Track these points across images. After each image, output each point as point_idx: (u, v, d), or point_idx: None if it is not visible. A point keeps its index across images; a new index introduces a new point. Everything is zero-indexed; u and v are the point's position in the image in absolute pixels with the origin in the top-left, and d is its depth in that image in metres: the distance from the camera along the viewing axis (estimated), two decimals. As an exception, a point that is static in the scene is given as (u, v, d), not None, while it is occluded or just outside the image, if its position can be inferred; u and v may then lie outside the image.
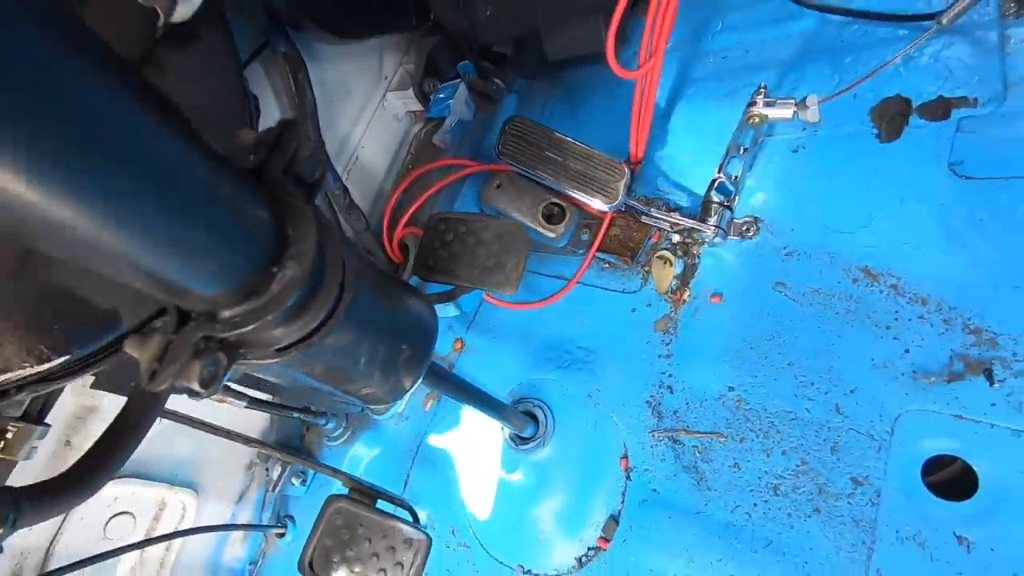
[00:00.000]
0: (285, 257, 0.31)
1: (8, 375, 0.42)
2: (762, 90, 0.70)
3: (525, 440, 0.85)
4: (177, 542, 0.84)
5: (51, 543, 0.71)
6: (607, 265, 0.97)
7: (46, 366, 0.43)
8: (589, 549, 0.79)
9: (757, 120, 0.70)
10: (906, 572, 0.61)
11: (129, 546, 0.75)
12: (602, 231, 0.94)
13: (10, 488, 0.44)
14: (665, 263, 0.92)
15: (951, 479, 0.64)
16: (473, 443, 0.90)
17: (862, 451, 0.67)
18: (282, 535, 0.94)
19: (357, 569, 0.65)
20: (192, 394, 0.32)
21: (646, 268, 0.93)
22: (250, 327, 0.31)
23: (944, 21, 0.57)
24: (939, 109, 0.69)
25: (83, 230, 0.22)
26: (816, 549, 0.66)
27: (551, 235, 0.98)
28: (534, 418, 0.86)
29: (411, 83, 1.16)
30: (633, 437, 0.82)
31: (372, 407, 0.54)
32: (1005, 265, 0.64)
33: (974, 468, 0.62)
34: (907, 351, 0.68)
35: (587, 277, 0.96)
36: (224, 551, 0.92)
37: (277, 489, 0.95)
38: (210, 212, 0.26)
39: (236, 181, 0.28)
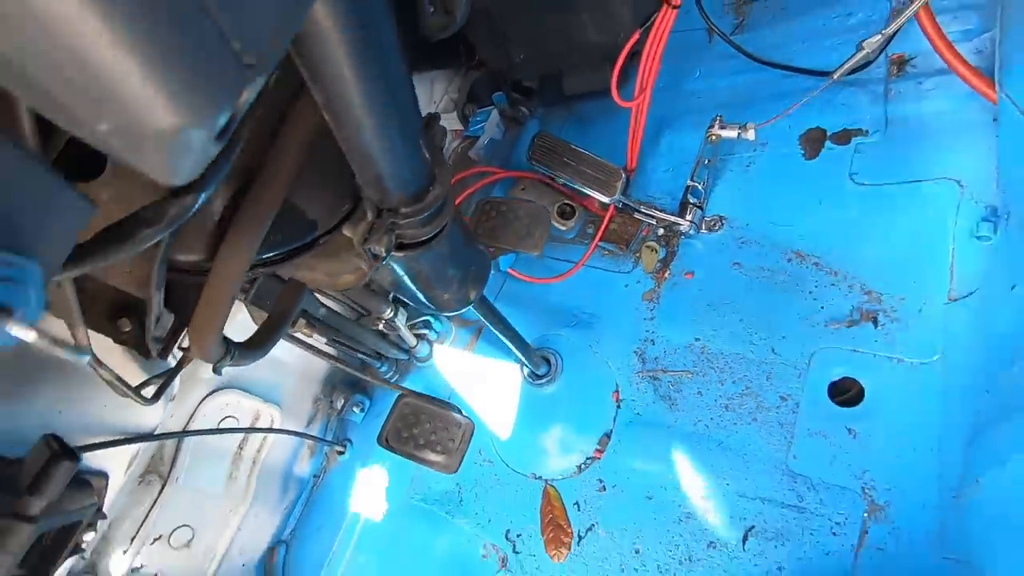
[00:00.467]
0: (435, 182, 0.57)
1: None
2: (718, 119, 0.98)
3: (539, 377, 1.10)
4: (265, 446, 1.08)
5: (186, 424, 0.95)
6: (607, 252, 1.24)
7: (273, 253, 0.68)
8: (587, 459, 1.03)
9: (714, 139, 0.98)
10: (813, 454, 0.85)
11: (239, 428, 1.00)
12: (603, 226, 1.21)
13: (228, 339, 0.69)
14: (651, 250, 1.18)
15: (847, 395, 0.89)
16: (497, 381, 1.15)
17: (788, 377, 0.93)
18: (342, 453, 1.18)
19: (420, 442, 0.88)
20: (375, 259, 0.58)
21: (637, 255, 1.20)
22: (412, 219, 0.57)
23: (835, 76, 0.85)
24: (844, 137, 0.97)
25: (371, 140, 0.47)
26: (753, 445, 0.90)
27: (563, 228, 1.25)
28: (547, 362, 1.11)
29: (455, 108, 1.45)
30: (623, 377, 1.07)
31: (444, 312, 0.79)
32: (888, 246, 0.91)
33: (862, 385, 0.87)
34: (822, 307, 0.95)
35: (591, 261, 1.22)
36: (295, 463, 1.15)
37: (341, 414, 1.19)
38: (415, 140, 0.52)
39: (421, 131, 0.55)
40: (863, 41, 0.81)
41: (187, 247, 0.59)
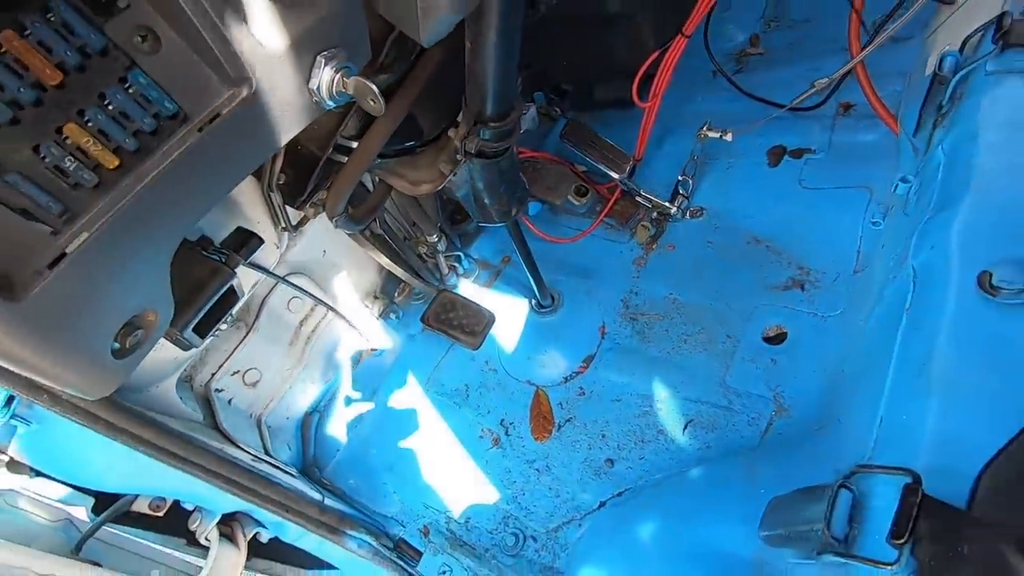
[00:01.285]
0: (515, 108, 0.87)
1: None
2: (707, 123, 1.30)
3: (543, 307, 1.38)
4: (320, 327, 1.34)
5: (272, 288, 1.22)
6: (609, 226, 1.54)
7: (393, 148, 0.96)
8: (573, 372, 1.31)
9: (703, 138, 1.30)
10: (744, 374, 1.14)
11: (311, 295, 1.26)
12: (609, 204, 1.52)
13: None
14: (645, 228, 1.49)
15: (775, 337, 1.18)
16: (508, 312, 1.43)
17: (734, 322, 1.22)
18: (375, 350, 1.45)
19: (454, 324, 1.16)
20: (467, 155, 0.87)
21: (633, 230, 1.50)
22: (496, 130, 0.86)
23: (789, 105, 1.18)
24: (798, 153, 1.29)
25: (493, 56, 0.76)
26: (701, 367, 1.19)
27: (577, 204, 1.56)
28: (552, 297, 1.40)
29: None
30: (609, 316, 1.36)
31: (489, 222, 1.08)
32: (819, 233, 1.22)
33: (787, 331, 1.17)
34: (766, 276, 1.25)
35: (596, 232, 1.52)
36: (339, 349, 1.42)
37: (381, 316, 1.47)
38: (515, 72, 0.82)
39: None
40: (815, 81, 1.14)
41: (349, 128, 0.88)
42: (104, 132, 0.43)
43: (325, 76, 0.53)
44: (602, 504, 1.11)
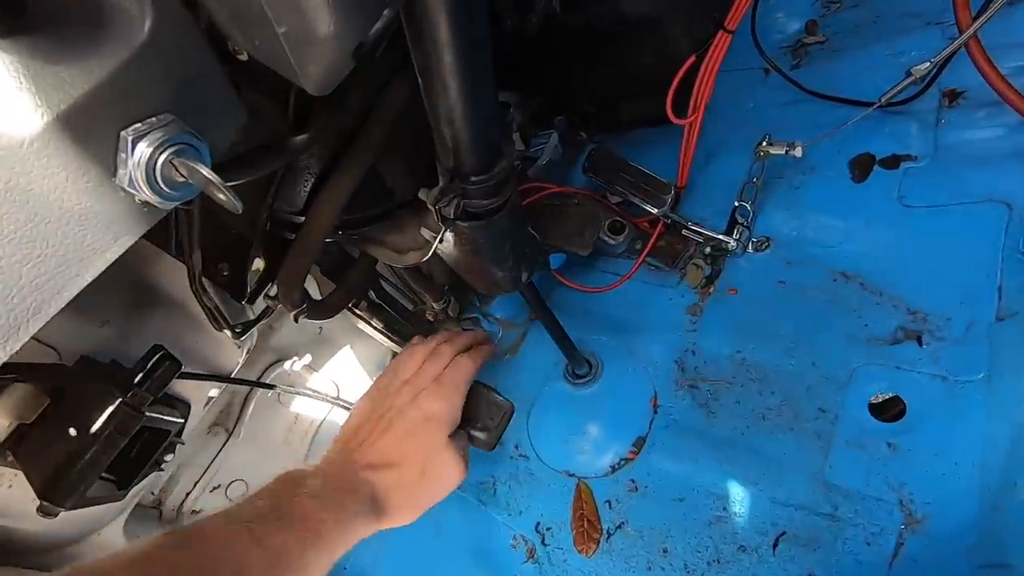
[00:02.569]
0: (503, 156, 0.65)
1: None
2: (767, 137, 1.03)
3: (579, 377, 1.14)
4: (323, 414, 1.15)
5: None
6: (652, 267, 1.28)
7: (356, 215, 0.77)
8: (621, 459, 1.05)
9: (762, 155, 1.03)
10: (850, 466, 0.85)
11: (308, 392, 1.07)
12: (652, 241, 1.26)
13: (308, 293, 0.78)
14: (697, 267, 1.22)
15: (888, 412, 0.89)
16: (540, 380, 1.20)
17: (827, 391, 0.93)
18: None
19: (465, 416, 0.93)
20: (445, 221, 0.66)
21: (682, 271, 1.24)
22: (480, 187, 0.64)
23: (882, 100, 0.89)
24: (893, 162, 1.00)
25: (457, 103, 0.55)
26: (788, 454, 0.91)
27: (613, 243, 1.31)
28: (587, 363, 1.15)
29: (517, 129, 1.56)
30: (661, 384, 1.10)
31: (495, 292, 0.86)
32: (934, 266, 0.92)
33: (905, 402, 0.87)
34: (866, 325, 0.95)
35: (637, 275, 1.26)
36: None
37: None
38: (492, 113, 0.60)
39: (500, 110, 0.63)
40: (911, 68, 0.86)
41: (289, 199, 0.68)
42: None
43: (140, 163, 0.33)
44: (671, 653, 0.84)
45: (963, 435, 0.79)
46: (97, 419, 0.56)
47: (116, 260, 0.37)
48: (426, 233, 0.82)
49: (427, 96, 0.53)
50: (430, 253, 0.81)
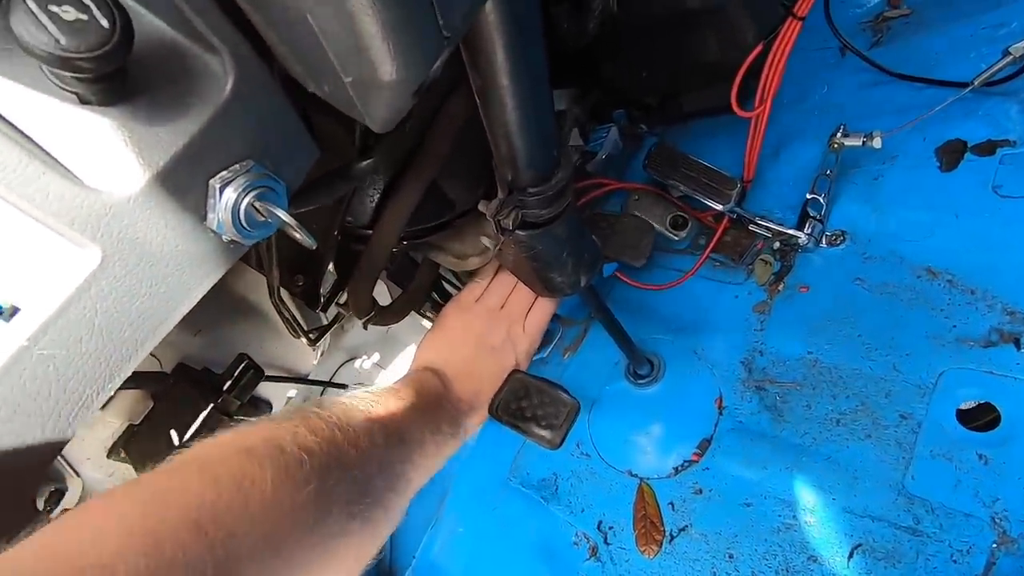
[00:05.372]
0: (560, 166, 0.65)
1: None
2: (842, 127, 0.97)
3: (641, 377, 1.13)
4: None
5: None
6: (718, 264, 1.24)
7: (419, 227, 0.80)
8: (684, 461, 1.04)
9: (837, 147, 0.97)
10: (935, 477, 0.80)
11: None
12: (716, 236, 1.22)
13: (375, 300, 0.82)
14: (766, 264, 1.17)
15: (979, 421, 0.83)
16: (602, 378, 1.20)
17: (910, 396, 0.88)
18: (451, 432, 1.29)
19: (528, 415, 0.95)
20: (504, 232, 0.67)
21: (750, 267, 1.19)
22: (538, 197, 0.65)
23: (976, 82, 0.82)
24: (987, 148, 0.91)
25: (513, 119, 0.56)
26: (865, 463, 0.86)
27: (675, 239, 1.28)
28: (649, 363, 1.13)
29: (576, 124, 1.54)
30: (727, 386, 1.07)
31: (554, 295, 0.86)
32: (1036, 263, 0.84)
33: (999, 409, 0.81)
34: (954, 327, 0.89)
35: (701, 272, 1.23)
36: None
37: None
38: (549, 124, 0.61)
39: (556, 123, 0.64)
40: (1010, 46, 0.78)
41: (357, 214, 0.72)
42: None
43: (227, 208, 0.36)
44: (737, 662, 0.83)
45: (1068, 449, 0.72)
46: (193, 423, 0.62)
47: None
48: (486, 240, 0.84)
49: (485, 114, 0.54)
50: (490, 259, 0.83)
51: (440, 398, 0.81)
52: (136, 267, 0.35)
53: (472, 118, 0.62)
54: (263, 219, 0.38)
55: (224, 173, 0.36)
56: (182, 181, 0.34)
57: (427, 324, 1.19)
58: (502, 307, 0.92)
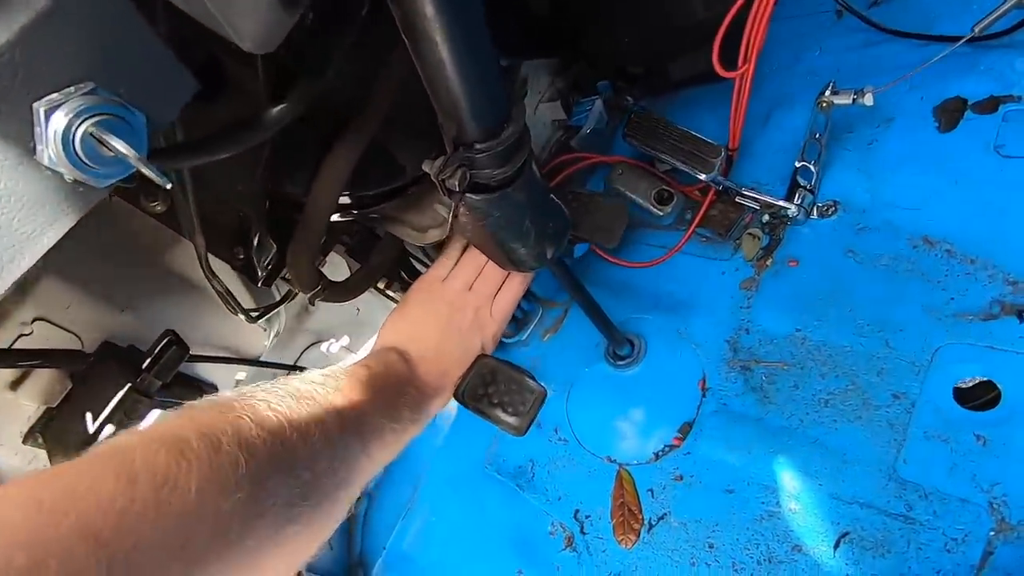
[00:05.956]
0: (511, 120, 0.59)
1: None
2: (831, 84, 0.90)
3: (622, 358, 1.07)
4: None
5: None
6: (704, 239, 1.18)
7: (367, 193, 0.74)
8: (665, 446, 0.98)
9: (825, 106, 0.90)
10: (929, 460, 0.74)
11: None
12: (702, 210, 1.16)
13: (323, 274, 0.76)
14: (753, 238, 1.11)
15: (978, 399, 0.77)
16: (581, 360, 1.14)
17: (903, 374, 0.81)
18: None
19: (494, 401, 0.90)
20: (451, 194, 0.61)
21: (737, 242, 1.13)
22: (486, 154, 0.59)
23: (976, 30, 0.75)
24: (989, 106, 0.84)
25: (447, 60, 0.49)
26: (854, 445, 0.80)
27: (660, 213, 1.21)
28: (630, 343, 1.08)
29: (559, 97, 1.48)
30: (712, 365, 1.01)
31: (519, 269, 0.80)
32: (1041, 228, 0.78)
33: (999, 387, 0.74)
34: (952, 299, 0.82)
35: (686, 248, 1.17)
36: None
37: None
38: (492, 72, 0.54)
39: (501, 70, 0.57)
40: (1012, -10, 0.71)
41: (296, 181, 0.66)
42: None
43: (55, 137, 0.30)
44: (715, 659, 0.78)
45: (1073, 428, 0.66)
46: (107, 405, 0.57)
47: (131, 245, 0.35)
48: (441, 210, 0.78)
49: (416, 56, 0.48)
50: (447, 229, 0.77)
51: (404, 382, 0.74)
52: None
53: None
54: (111, 155, 0.32)
55: (53, 95, 0.30)
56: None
57: (398, 305, 1.14)
58: (470, 288, 0.86)
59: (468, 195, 0.64)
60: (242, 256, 0.73)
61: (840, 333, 0.90)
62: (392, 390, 0.71)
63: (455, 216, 0.73)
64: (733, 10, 0.88)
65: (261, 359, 0.86)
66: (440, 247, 1.03)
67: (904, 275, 0.88)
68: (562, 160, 1.36)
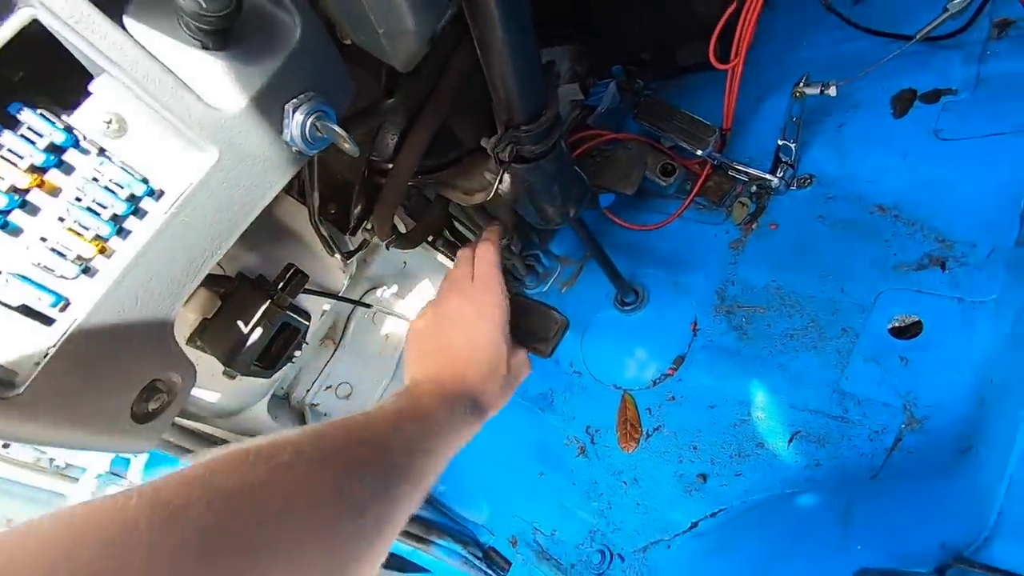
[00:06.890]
0: (548, 108, 0.79)
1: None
2: (804, 77, 1.09)
3: (626, 304, 1.28)
4: (405, 338, 1.38)
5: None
6: (701, 207, 1.38)
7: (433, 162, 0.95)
8: (662, 375, 1.20)
9: (799, 95, 1.09)
10: (864, 377, 0.95)
11: (387, 311, 1.30)
12: (700, 182, 1.35)
13: (396, 227, 0.97)
14: (743, 205, 1.31)
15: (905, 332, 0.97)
16: (594, 307, 1.35)
17: (852, 313, 1.02)
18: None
19: (525, 330, 1.12)
20: (502, 164, 0.82)
21: (729, 209, 1.33)
22: (529, 134, 0.79)
23: (916, 37, 0.93)
24: (933, 96, 1.03)
25: (507, 57, 0.69)
26: (809, 368, 1.02)
27: (664, 184, 1.41)
28: (635, 292, 1.29)
29: (577, 80, 1.66)
30: (702, 311, 1.22)
31: (547, 224, 1.01)
32: (966, 196, 0.97)
33: (921, 321, 0.95)
34: (895, 254, 1.02)
35: (686, 214, 1.37)
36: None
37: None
38: (536, 70, 0.74)
39: (543, 70, 0.77)
40: (949, 3, 0.89)
41: (380, 151, 0.87)
42: (81, 223, 0.45)
43: (296, 125, 0.51)
44: (694, 525, 1.01)
45: (969, 349, 0.87)
46: (255, 314, 0.79)
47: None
48: (488, 176, 0.99)
49: (485, 62, 0.68)
50: (492, 192, 0.98)
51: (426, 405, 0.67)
52: (239, 165, 0.50)
53: (476, 71, 0.76)
54: (320, 135, 0.53)
55: (295, 100, 0.51)
56: (267, 105, 0.49)
57: (440, 259, 1.35)
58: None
59: (513, 164, 0.85)
60: (334, 211, 0.94)
61: (806, 283, 1.10)
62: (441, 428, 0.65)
63: (499, 181, 0.94)
64: (727, 13, 1.07)
65: (340, 295, 1.08)
66: (482, 209, 1.24)
67: (860, 236, 1.08)
68: (581, 136, 1.55)
